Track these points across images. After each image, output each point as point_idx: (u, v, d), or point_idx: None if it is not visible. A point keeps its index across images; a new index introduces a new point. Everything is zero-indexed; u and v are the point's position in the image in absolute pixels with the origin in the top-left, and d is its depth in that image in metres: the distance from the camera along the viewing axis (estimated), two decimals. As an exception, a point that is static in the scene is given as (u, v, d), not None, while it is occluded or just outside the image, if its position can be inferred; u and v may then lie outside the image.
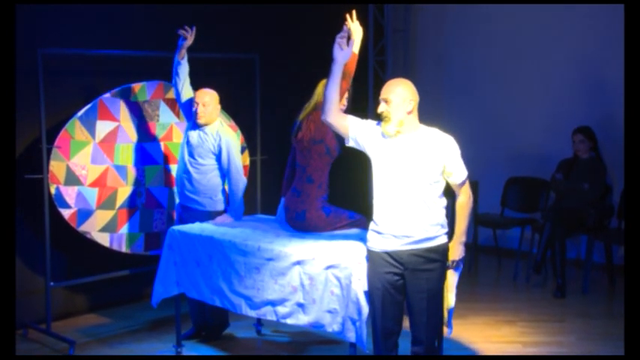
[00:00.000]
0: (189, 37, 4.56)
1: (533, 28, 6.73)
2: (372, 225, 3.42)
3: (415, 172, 3.30)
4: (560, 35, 6.58)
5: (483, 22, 7.06)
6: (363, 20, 4.20)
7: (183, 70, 4.65)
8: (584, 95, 6.45)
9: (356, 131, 3.40)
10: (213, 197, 4.60)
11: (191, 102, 4.64)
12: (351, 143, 3.45)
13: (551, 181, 6.11)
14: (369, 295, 3.41)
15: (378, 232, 3.37)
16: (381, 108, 3.32)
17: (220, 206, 4.63)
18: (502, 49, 6.96)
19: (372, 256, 3.40)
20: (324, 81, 4.09)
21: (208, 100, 4.53)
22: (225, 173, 4.58)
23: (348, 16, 3.56)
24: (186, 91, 4.69)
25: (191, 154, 4.57)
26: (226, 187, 4.64)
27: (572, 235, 6.03)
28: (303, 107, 4.15)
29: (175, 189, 4.79)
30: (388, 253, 3.34)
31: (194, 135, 4.57)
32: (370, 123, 3.44)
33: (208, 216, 4.55)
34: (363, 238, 3.71)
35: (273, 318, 3.77)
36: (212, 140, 4.52)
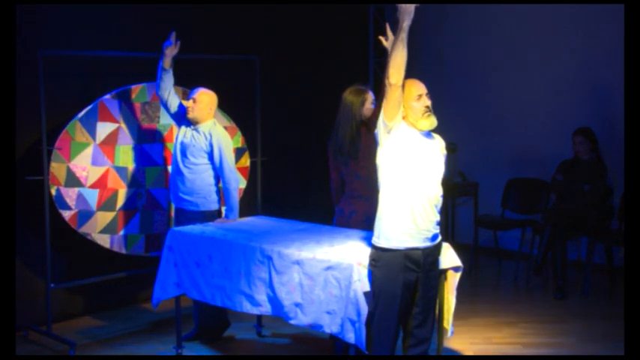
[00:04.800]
0: (174, 45, 4.57)
1: (534, 28, 6.74)
2: (389, 224, 3.34)
3: (440, 167, 3.41)
4: (560, 36, 6.58)
5: (483, 23, 7.06)
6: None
7: (169, 79, 4.64)
8: (585, 96, 6.45)
9: (401, 116, 3.35)
10: (208, 197, 4.61)
11: (180, 111, 4.68)
12: (393, 125, 3.30)
13: (551, 182, 6.11)
14: (380, 299, 3.36)
15: (401, 230, 3.32)
16: (429, 102, 3.36)
17: (214, 206, 4.64)
18: (502, 50, 6.96)
19: (389, 260, 3.34)
20: (349, 91, 4.17)
21: (202, 99, 4.55)
22: (218, 172, 4.58)
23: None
24: (172, 101, 4.70)
25: (183, 153, 4.57)
26: (220, 186, 4.65)
27: (572, 237, 6.03)
28: (337, 127, 4.20)
29: (170, 194, 4.79)
30: (407, 255, 3.32)
31: (187, 134, 4.59)
32: None
33: (202, 216, 4.56)
34: (365, 239, 3.72)
35: (272, 314, 3.78)
36: (204, 139, 4.54)
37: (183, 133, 4.62)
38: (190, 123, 4.60)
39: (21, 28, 4.79)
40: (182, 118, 4.67)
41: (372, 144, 3.89)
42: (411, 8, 3.19)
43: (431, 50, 7.45)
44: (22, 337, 4.85)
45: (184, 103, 4.66)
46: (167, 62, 4.60)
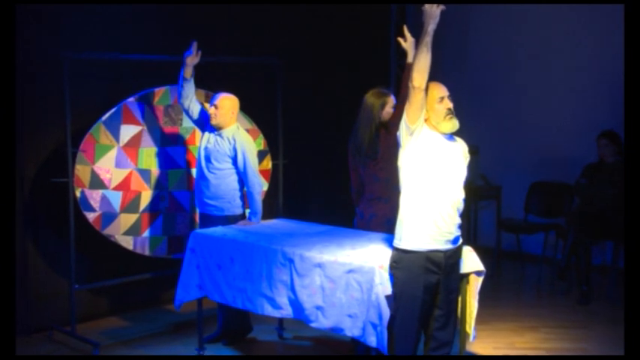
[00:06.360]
0: (195, 55, 4.60)
1: (557, 30, 6.69)
2: (411, 226, 3.35)
3: (462, 170, 3.41)
4: (582, 37, 6.53)
5: (506, 25, 7.02)
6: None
7: (190, 88, 4.67)
8: (609, 98, 6.38)
9: (423, 118, 3.36)
10: (232, 202, 4.63)
11: (203, 117, 4.70)
12: (415, 127, 3.31)
13: (575, 185, 6.04)
14: (401, 301, 3.37)
15: (423, 233, 3.33)
16: (451, 104, 3.37)
17: (239, 210, 4.66)
18: (525, 52, 6.91)
19: (410, 262, 3.35)
20: (371, 93, 4.17)
21: (224, 104, 4.58)
22: (242, 177, 4.60)
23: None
24: (193, 108, 4.73)
25: (207, 159, 4.60)
26: (244, 191, 4.67)
27: (597, 241, 5.96)
28: (357, 128, 4.21)
29: (195, 199, 4.83)
30: (429, 257, 3.33)
31: (211, 140, 4.61)
32: None
33: (227, 221, 4.58)
34: (387, 241, 3.71)
35: (293, 317, 3.79)
36: (227, 144, 4.56)
37: (207, 139, 4.64)
38: (214, 129, 4.62)
39: (46, 30, 4.86)
40: (205, 124, 4.70)
41: (392, 146, 3.88)
42: (436, 12, 3.21)
43: (453, 52, 7.42)
44: (47, 337, 4.90)
45: (207, 108, 4.68)
46: (188, 72, 4.63)
